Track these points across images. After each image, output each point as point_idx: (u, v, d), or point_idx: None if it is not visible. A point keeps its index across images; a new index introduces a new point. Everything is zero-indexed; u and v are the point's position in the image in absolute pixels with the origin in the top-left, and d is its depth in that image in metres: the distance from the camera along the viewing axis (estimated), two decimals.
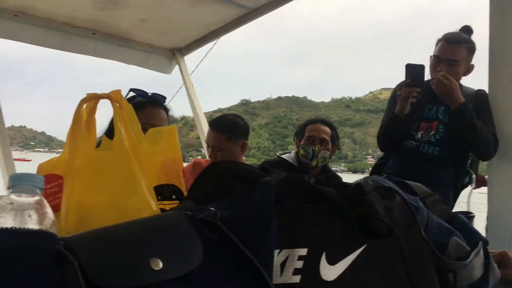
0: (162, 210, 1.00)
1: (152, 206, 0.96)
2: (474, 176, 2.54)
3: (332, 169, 2.83)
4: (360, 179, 1.27)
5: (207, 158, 3.47)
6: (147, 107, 1.76)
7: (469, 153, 2.42)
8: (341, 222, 0.92)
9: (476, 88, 2.43)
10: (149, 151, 1.05)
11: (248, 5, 3.31)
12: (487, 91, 2.36)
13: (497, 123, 2.27)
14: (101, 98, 1.03)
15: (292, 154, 2.63)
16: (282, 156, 2.64)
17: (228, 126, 2.49)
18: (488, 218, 2.28)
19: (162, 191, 1.07)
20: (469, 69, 2.38)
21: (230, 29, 3.74)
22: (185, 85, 4.26)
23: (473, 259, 1.01)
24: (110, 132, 1.06)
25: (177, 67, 4.33)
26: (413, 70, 2.21)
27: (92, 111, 1.04)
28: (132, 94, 1.76)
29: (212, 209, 0.69)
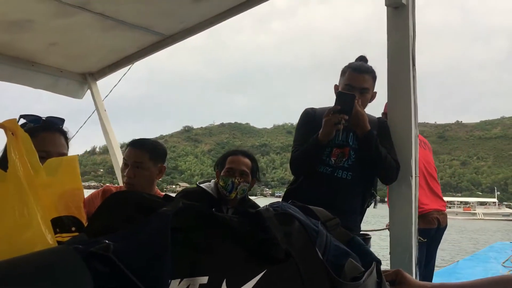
0: (60, 243, 0.97)
1: (48, 240, 0.92)
2: (377, 197, 2.70)
3: (276, 194, 2.83)
4: (265, 206, 1.30)
5: (120, 184, 3.37)
6: (40, 133, 1.66)
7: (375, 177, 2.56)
8: (242, 249, 0.94)
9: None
10: (47, 182, 1.02)
11: (162, 32, 3.32)
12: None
13: (396, 149, 2.43)
14: None
15: (212, 183, 2.59)
16: (202, 185, 2.60)
17: (151, 145, 2.47)
18: (390, 238, 2.42)
19: (61, 223, 1.03)
20: (372, 96, 2.54)
21: (145, 55, 3.71)
22: (97, 110, 4.14)
23: (366, 279, 1.08)
24: (3, 162, 1.01)
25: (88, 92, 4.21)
26: (344, 98, 2.30)
27: None
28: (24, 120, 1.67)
29: (106, 241, 0.68)
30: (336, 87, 2.55)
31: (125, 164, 2.41)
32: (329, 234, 1.21)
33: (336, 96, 2.33)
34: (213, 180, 2.60)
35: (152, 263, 0.69)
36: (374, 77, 2.50)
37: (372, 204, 2.68)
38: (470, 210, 72.16)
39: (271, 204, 1.29)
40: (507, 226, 44.82)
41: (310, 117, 2.56)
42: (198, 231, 0.90)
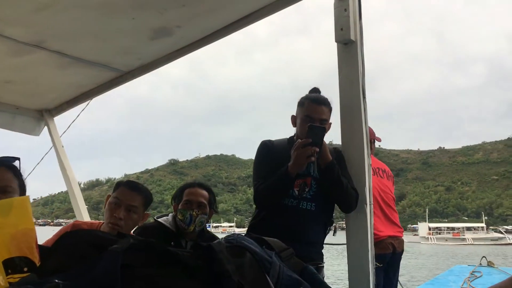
0: (12, 284, 0.97)
1: (0, 281, 0.93)
2: (336, 225, 2.76)
3: None
4: (220, 239, 1.34)
5: (80, 220, 3.30)
6: None
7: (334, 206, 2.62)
8: (195, 283, 0.97)
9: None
10: None
11: (120, 68, 3.35)
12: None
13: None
14: None
15: (170, 217, 2.57)
16: (159, 219, 2.59)
17: (146, 191, 2.47)
18: (348, 264, 2.48)
19: (13, 264, 1.03)
20: (329, 126, 2.61)
21: (103, 91, 3.72)
22: (54, 147, 4.08)
23: None
24: None
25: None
26: (315, 131, 2.35)
27: None
28: None
29: (56, 280, 0.70)
30: (293, 118, 2.61)
31: (116, 204, 2.34)
32: (282, 264, 1.25)
33: (307, 129, 2.36)
34: (171, 214, 2.59)
35: None
36: (330, 109, 2.57)
37: (332, 232, 2.74)
38: (460, 236, 73.14)
39: (227, 237, 1.32)
40: (495, 250, 45.52)
41: (269, 149, 2.61)
42: (151, 266, 0.92)
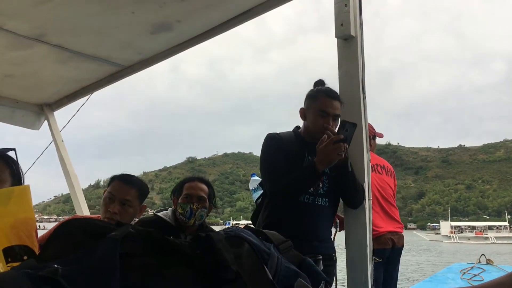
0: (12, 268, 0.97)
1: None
2: (337, 220, 2.77)
3: None
4: (220, 230, 1.34)
5: (79, 214, 3.33)
6: None
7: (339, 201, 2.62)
8: (192, 272, 0.98)
9: None
10: None
11: (120, 63, 3.35)
12: None
13: None
14: None
15: (169, 211, 2.57)
16: (158, 214, 2.59)
17: (140, 184, 2.45)
18: (347, 260, 2.49)
19: (13, 253, 1.04)
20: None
21: (103, 85, 3.72)
22: (54, 141, 4.08)
23: None
24: None
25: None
26: (346, 127, 2.29)
27: None
28: None
29: (55, 265, 0.71)
30: (302, 110, 2.55)
31: (110, 199, 2.34)
32: (280, 256, 1.26)
33: (339, 124, 2.32)
34: (170, 208, 2.60)
35: (101, 286, 0.71)
36: (341, 103, 2.50)
37: (338, 229, 2.74)
38: (482, 234, 72.29)
39: (226, 229, 1.33)
40: None
41: (278, 142, 2.53)
42: (148, 255, 0.93)
